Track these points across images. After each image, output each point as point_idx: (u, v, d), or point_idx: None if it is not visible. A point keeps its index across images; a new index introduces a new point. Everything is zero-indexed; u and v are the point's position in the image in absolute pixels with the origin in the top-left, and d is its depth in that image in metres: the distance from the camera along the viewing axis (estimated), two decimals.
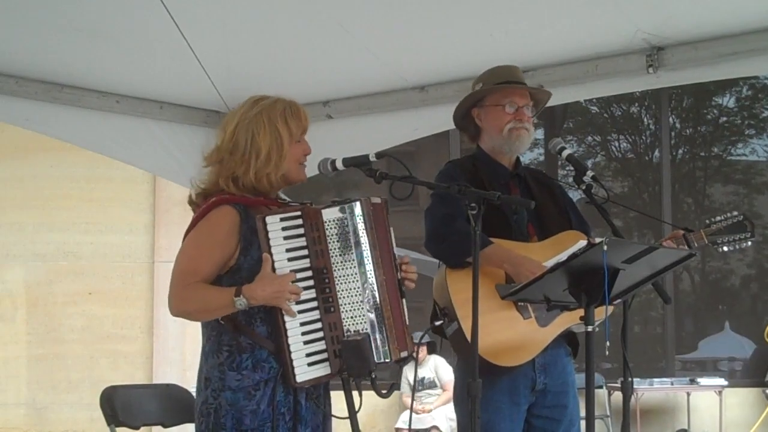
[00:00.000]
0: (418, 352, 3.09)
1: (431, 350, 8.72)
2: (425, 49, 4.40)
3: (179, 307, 2.94)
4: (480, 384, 2.86)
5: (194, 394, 3.04)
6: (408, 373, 8.72)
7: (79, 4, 4.01)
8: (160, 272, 8.70)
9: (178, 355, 8.43)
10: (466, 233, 3.44)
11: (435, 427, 8.60)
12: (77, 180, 8.82)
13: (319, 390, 3.03)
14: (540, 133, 10.15)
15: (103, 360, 8.71)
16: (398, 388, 8.76)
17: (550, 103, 3.92)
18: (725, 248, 3.72)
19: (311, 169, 3.18)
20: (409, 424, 8.37)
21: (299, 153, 3.06)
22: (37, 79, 4.50)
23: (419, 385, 8.79)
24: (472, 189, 2.99)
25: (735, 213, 3.72)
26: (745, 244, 3.72)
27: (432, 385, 8.78)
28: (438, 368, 8.71)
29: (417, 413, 8.64)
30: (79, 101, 4.66)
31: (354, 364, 2.84)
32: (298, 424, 2.94)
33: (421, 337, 3.08)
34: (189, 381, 3.14)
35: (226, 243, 2.93)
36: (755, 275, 10.80)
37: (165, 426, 3.89)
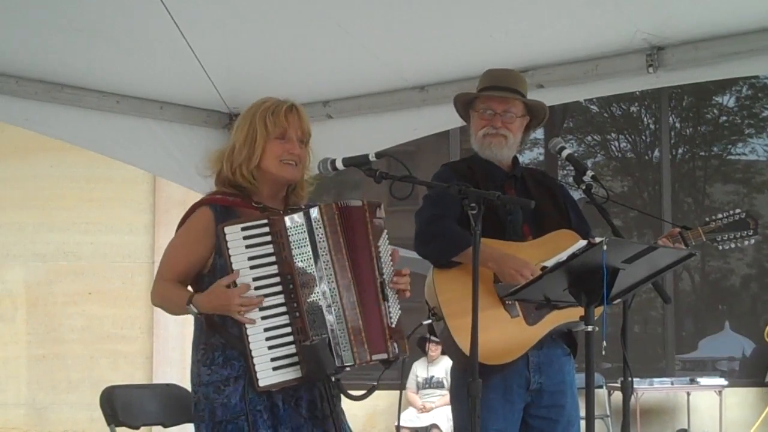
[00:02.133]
0: (407, 350, 3.07)
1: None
2: (425, 49, 4.40)
3: (153, 300, 3.13)
4: (480, 384, 2.86)
5: None
6: (418, 370, 8.72)
7: (79, 4, 4.02)
8: None
9: (178, 355, 8.41)
10: (452, 233, 3.46)
11: (435, 425, 8.60)
12: (77, 180, 8.81)
13: (299, 393, 3.03)
14: (540, 133, 10.15)
15: (103, 360, 8.70)
16: (396, 388, 8.74)
17: (550, 103, 3.91)
18: (726, 246, 3.68)
19: (311, 169, 3.19)
20: (398, 417, 8.32)
21: (279, 150, 3.08)
22: (37, 79, 4.50)
23: (426, 384, 8.79)
24: (471, 189, 2.99)
25: (738, 210, 3.69)
26: (747, 241, 3.69)
27: (439, 385, 8.77)
28: (449, 370, 8.68)
29: (419, 411, 8.65)
30: (79, 101, 4.65)
31: (312, 369, 2.89)
32: (277, 425, 2.99)
33: (408, 336, 3.08)
34: (189, 381, 3.16)
35: (201, 242, 3.03)
36: (755, 275, 10.80)
37: (165, 426, 3.88)
